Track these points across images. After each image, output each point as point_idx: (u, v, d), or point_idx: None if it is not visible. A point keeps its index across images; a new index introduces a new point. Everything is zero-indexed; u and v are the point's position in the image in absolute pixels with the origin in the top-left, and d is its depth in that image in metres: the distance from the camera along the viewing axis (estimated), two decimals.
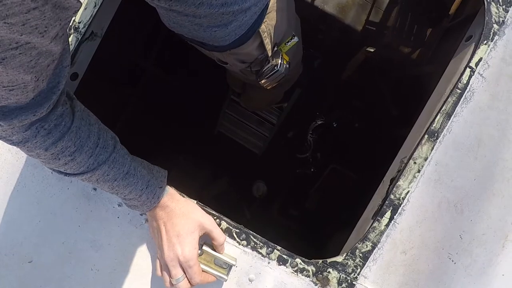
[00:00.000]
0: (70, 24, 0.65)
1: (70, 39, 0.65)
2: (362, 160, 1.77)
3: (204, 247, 0.62)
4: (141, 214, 0.64)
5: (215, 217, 0.64)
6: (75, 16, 0.65)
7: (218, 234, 0.60)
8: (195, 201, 0.64)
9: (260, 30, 0.66)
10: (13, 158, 0.63)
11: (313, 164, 2.05)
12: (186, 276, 0.58)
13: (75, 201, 0.64)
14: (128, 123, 1.62)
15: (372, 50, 1.86)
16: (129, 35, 1.24)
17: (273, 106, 1.66)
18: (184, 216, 0.58)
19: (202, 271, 0.60)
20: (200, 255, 0.62)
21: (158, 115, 1.77)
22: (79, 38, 0.66)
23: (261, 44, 0.70)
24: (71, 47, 0.66)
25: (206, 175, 1.92)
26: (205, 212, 0.60)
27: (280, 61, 0.74)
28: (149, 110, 1.75)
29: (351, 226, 0.74)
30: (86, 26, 0.66)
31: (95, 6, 0.66)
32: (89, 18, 0.66)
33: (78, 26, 0.66)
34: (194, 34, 0.62)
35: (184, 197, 0.62)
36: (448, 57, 0.71)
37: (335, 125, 2.04)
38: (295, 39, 0.76)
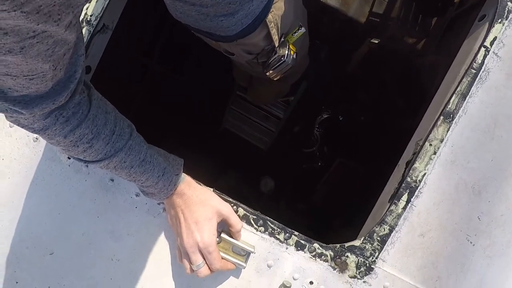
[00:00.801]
0: (82, 17, 0.66)
1: (83, 32, 0.66)
2: (369, 153, 1.77)
3: (222, 235, 0.62)
4: (158, 204, 0.64)
5: (232, 204, 0.64)
6: (87, 9, 0.66)
7: (235, 221, 0.60)
8: (212, 189, 0.64)
9: (267, 20, 0.66)
10: (30, 152, 0.64)
11: (320, 158, 2.05)
12: (206, 263, 0.58)
13: (93, 193, 0.64)
14: (134, 119, 1.62)
15: (376, 41, 1.85)
16: (137, 29, 1.25)
17: (280, 99, 1.65)
18: (202, 203, 0.58)
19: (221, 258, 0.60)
20: (218, 243, 0.62)
21: (164, 112, 1.78)
22: (91, 31, 0.67)
23: (268, 35, 0.70)
24: (84, 40, 0.66)
25: (212, 170, 1.92)
26: (222, 199, 0.61)
27: (287, 51, 0.73)
28: (154, 107, 1.75)
29: (358, 220, 0.74)
30: (98, 19, 0.66)
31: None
32: (101, 11, 0.66)
33: (90, 19, 0.66)
34: (201, 24, 0.62)
35: (200, 185, 0.62)
36: (454, 45, 0.71)
37: (341, 119, 2.03)
38: (302, 29, 0.76)
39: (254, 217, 0.64)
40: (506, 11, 0.62)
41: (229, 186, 1.95)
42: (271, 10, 0.65)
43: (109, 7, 0.68)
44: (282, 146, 1.95)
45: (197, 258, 0.57)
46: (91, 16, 0.66)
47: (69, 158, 0.64)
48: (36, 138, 0.64)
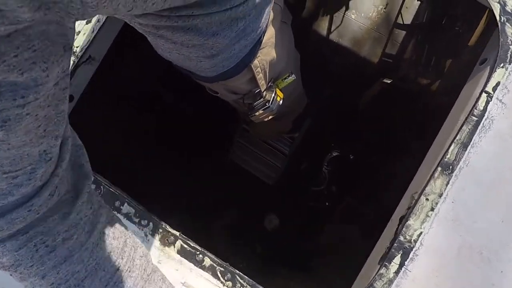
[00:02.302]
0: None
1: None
2: (380, 196, 1.66)
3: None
4: None
5: (198, 252, 0.58)
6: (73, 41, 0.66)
7: None
8: (178, 233, 0.58)
9: (252, 65, 0.64)
10: None
11: (328, 197, 1.95)
12: None
13: None
14: (139, 152, 1.62)
15: (388, 81, 1.82)
16: (135, 62, 1.27)
17: (285, 135, 1.62)
18: None
19: None
20: None
21: (169, 143, 1.77)
22: (75, 62, 0.66)
23: (253, 79, 0.67)
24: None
25: (216, 204, 1.86)
26: None
27: (274, 96, 0.71)
28: (161, 139, 1.75)
29: (354, 269, 0.65)
30: (83, 50, 0.66)
31: (92, 31, 0.66)
32: (87, 43, 0.66)
33: (76, 50, 0.66)
34: (181, 63, 0.61)
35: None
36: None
37: (351, 158, 1.96)
38: (292, 76, 0.75)
39: (222, 269, 0.57)
40: (509, 55, 0.56)
41: (230, 222, 1.87)
42: (257, 55, 0.63)
43: (96, 40, 0.68)
44: (288, 183, 1.88)
45: None
46: (76, 47, 0.66)
47: None
48: None
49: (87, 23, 0.67)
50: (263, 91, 0.70)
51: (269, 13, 0.58)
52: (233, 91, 0.72)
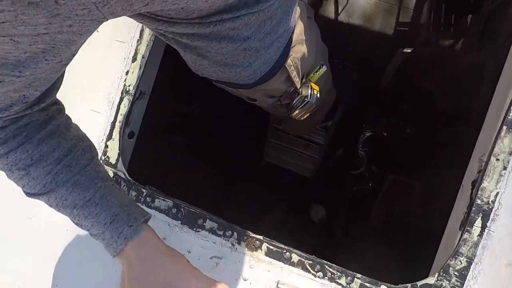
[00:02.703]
0: (122, 88, 0.72)
1: (124, 102, 0.72)
2: (422, 166, 1.63)
3: (279, 285, 0.59)
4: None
5: (285, 250, 0.61)
6: (126, 81, 0.72)
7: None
8: (262, 237, 0.62)
9: (286, 65, 0.65)
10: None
11: (370, 178, 1.94)
12: None
13: None
14: (178, 170, 1.70)
15: (409, 50, 1.78)
16: (170, 88, 1.34)
17: (317, 127, 1.63)
18: (163, 284, 0.43)
19: None
20: None
21: (206, 157, 1.83)
22: (131, 100, 0.72)
23: (288, 78, 0.69)
24: (125, 109, 0.71)
25: (259, 208, 1.90)
26: (196, 274, 0.45)
27: (310, 91, 0.72)
28: (197, 153, 1.82)
29: (428, 240, 0.66)
30: (135, 88, 0.72)
31: (140, 68, 0.72)
32: (137, 80, 0.72)
33: (129, 89, 0.72)
34: (219, 75, 0.62)
35: (173, 251, 0.46)
36: (499, 42, 0.64)
37: (385, 134, 1.93)
38: (324, 68, 0.75)
39: (310, 262, 0.61)
40: None
41: (277, 222, 1.90)
42: (290, 54, 0.65)
43: (144, 75, 0.73)
44: (328, 172, 1.88)
45: None
46: (129, 86, 0.72)
47: None
48: None
49: (133, 62, 0.73)
50: (299, 88, 0.71)
51: (296, 11, 0.59)
52: (270, 95, 0.74)
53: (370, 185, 1.92)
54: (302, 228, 1.93)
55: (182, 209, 0.65)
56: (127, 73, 0.72)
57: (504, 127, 0.56)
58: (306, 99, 0.72)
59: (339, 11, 1.99)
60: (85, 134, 0.48)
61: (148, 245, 0.45)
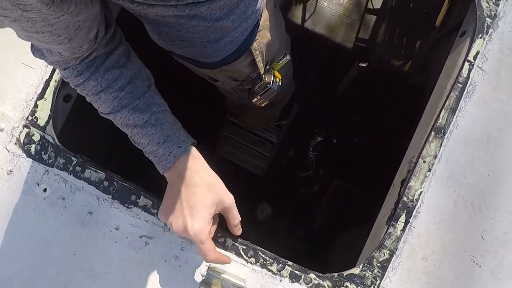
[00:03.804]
0: None
1: None
2: (366, 174, 1.74)
3: (209, 271, 0.57)
4: (140, 237, 0.60)
5: (220, 234, 0.60)
6: None
7: (235, 215, 0.56)
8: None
9: (252, 48, 0.66)
10: (3, 186, 0.61)
11: (317, 181, 2.01)
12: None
13: (69, 228, 0.60)
14: (126, 154, 1.60)
15: (364, 65, 1.89)
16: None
17: (272, 124, 1.65)
18: (205, 187, 0.53)
19: None
20: (205, 278, 0.57)
21: None
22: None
23: (253, 62, 0.69)
24: None
25: None
26: (226, 189, 0.55)
27: (273, 78, 0.73)
28: None
29: (360, 242, 0.70)
30: None
31: None
32: None
33: None
34: (184, 50, 0.62)
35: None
36: (438, 64, 0.71)
37: (335, 141, 2.02)
38: (287, 57, 0.77)
39: (244, 247, 0.60)
40: (485, 27, 0.62)
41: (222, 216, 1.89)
42: (256, 38, 0.65)
43: None
44: (278, 171, 1.92)
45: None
46: None
47: (44, 191, 0.60)
48: (10, 171, 0.61)
49: None
50: (262, 74, 0.72)
51: None
52: (233, 77, 0.73)
53: (316, 188, 2.00)
54: (247, 225, 1.94)
55: (115, 183, 0.61)
56: None
57: (433, 133, 0.61)
58: (268, 86, 0.72)
59: (306, 18, 2.06)
60: (142, 63, 0.55)
61: (196, 163, 0.54)
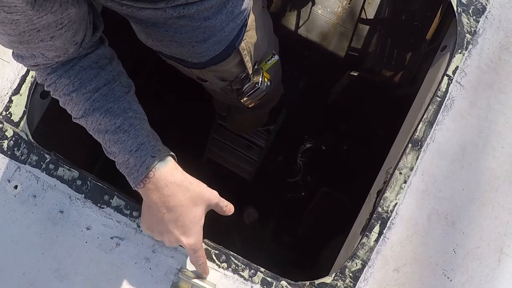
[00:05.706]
0: None
1: None
2: (353, 182, 1.74)
3: (180, 275, 0.56)
4: (111, 238, 0.59)
5: None
6: None
7: (222, 206, 0.54)
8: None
9: (240, 48, 0.66)
10: None
11: (304, 187, 2.01)
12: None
13: (39, 226, 0.59)
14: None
15: (355, 74, 1.91)
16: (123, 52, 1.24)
17: (260, 128, 1.65)
18: (190, 204, 0.49)
19: None
20: (175, 282, 0.56)
21: None
22: None
23: (241, 62, 0.69)
24: None
25: None
26: (208, 188, 0.52)
27: (261, 79, 0.73)
28: None
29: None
30: None
31: None
32: None
33: None
34: (173, 50, 0.61)
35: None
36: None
37: (324, 148, 2.03)
38: (276, 57, 0.77)
39: (216, 252, 0.59)
40: (465, 42, 0.63)
41: (210, 217, 1.88)
42: (243, 38, 0.65)
43: None
44: (265, 176, 1.92)
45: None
46: None
47: (15, 187, 0.59)
48: None
49: None
50: (251, 74, 0.72)
51: None
52: (222, 78, 0.73)
53: (303, 194, 2.00)
54: (232, 228, 1.93)
55: (88, 182, 0.60)
56: None
57: (410, 145, 0.62)
58: (257, 86, 0.72)
59: (300, 25, 2.07)
60: (125, 72, 0.52)
61: (175, 177, 0.48)
